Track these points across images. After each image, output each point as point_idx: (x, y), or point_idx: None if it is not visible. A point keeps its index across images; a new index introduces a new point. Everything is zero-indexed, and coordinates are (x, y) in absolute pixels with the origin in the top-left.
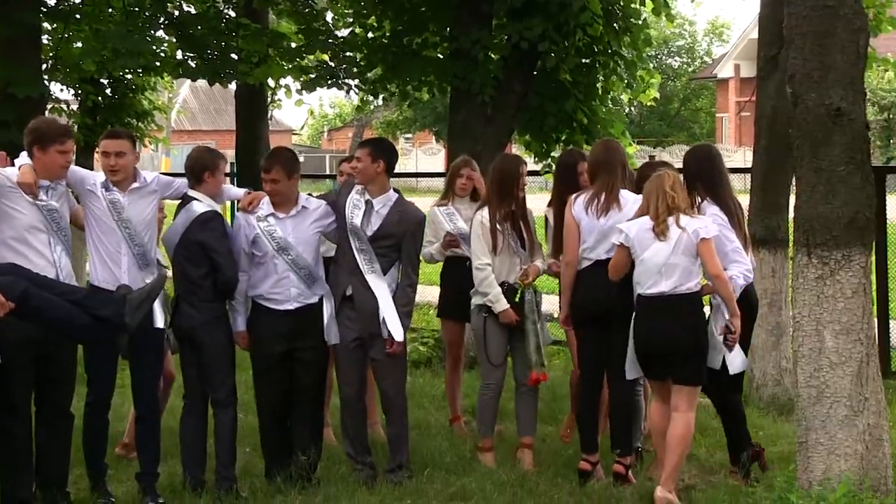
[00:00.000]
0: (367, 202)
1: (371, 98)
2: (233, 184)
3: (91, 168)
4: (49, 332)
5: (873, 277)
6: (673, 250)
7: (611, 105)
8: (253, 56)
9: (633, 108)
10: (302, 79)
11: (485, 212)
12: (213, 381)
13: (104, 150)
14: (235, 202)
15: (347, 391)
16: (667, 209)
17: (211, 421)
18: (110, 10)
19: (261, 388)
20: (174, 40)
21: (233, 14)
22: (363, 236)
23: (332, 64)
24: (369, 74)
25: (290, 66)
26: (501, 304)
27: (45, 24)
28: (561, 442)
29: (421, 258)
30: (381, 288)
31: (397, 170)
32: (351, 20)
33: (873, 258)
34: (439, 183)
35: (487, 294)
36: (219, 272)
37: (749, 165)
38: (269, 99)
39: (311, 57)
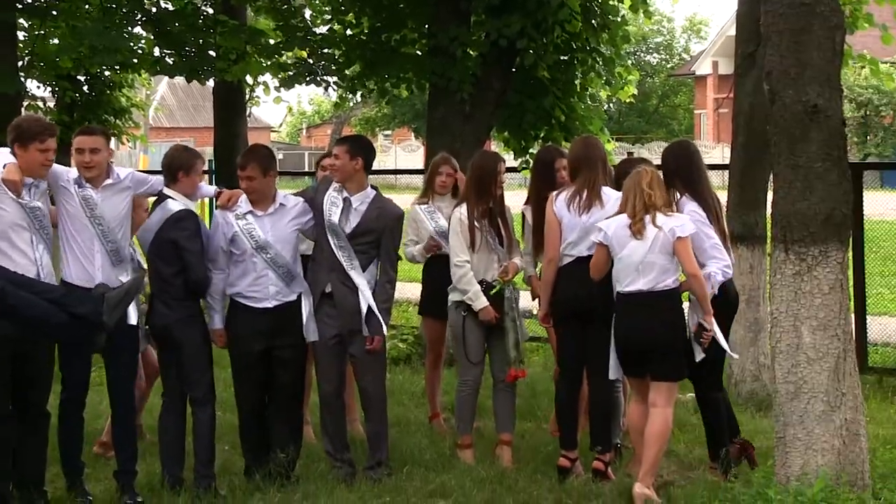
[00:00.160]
0: (345, 200)
1: (349, 95)
2: (211, 181)
3: (68, 165)
4: (26, 331)
5: (850, 273)
6: (650, 249)
7: (589, 102)
8: (231, 53)
9: (611, 105)
10: (280, 76)
11: (463, 209)
12: (190, 380)
13: (78, 146)
14: (214, 199)
15: (326, 388)
16: (643, 207)
17: (190, 419)
18: (87, 6)
19: (239, 385)
20: (151, 37)
21: (210, 11)
22: (342, 234)
23: (311, 61)
24: (347, 71)
25: (268, 62)
26: (481, 302)
27: (22, 21)
28: (541, 437)
29: (402, 255)
30: (363, 284)
31: (377, 167)
32: (329, 17)
33: (850, 254)
34: (418, 180)
35: (467, 291)
36: (188, 271)
37: (727, 162)
38: (247, 96)
39: (290, 54)
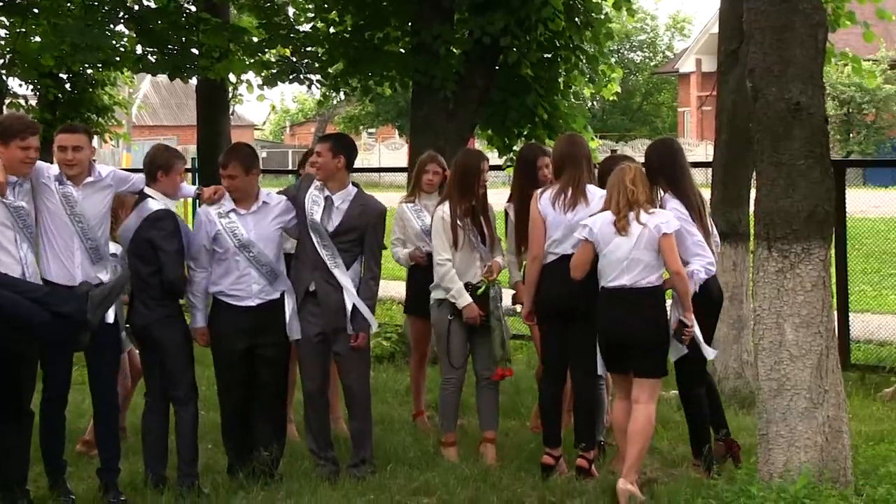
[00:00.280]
0: (327, 198)
1: (333, 93)
2: (194, 179)
3: (50, 163)
4: (10, 330)
5: (833, 271)
6: (635, 245)
7: (573, 100)
8: (214, 51)
9: (595, 103)
10: (263, 74)
11: (445, 207)
12: (171, 379)
13: (60, 144)
14: (196, 199)
15: (310, 386)
16: (627, 204)
17: (173, 418)
18: (69, 4)
19: (223, 384)
20: (134, 35)
21: (193, 8)
22: (324, 232)
23: (294, 59)
24: (331, 69)
25: (252, 60)
26: (464, 299)
27: (3, 19)
28: (525, 435)
29: (390, 252)
30: (347, 282)
31: (361, 165)
32: (312, 15)
33: (833, 252)
34: (402, 178)
35: (450, 289)
36: (163, 271)
37: (710, 159)
38: (230, 94)
39: (273, 52)
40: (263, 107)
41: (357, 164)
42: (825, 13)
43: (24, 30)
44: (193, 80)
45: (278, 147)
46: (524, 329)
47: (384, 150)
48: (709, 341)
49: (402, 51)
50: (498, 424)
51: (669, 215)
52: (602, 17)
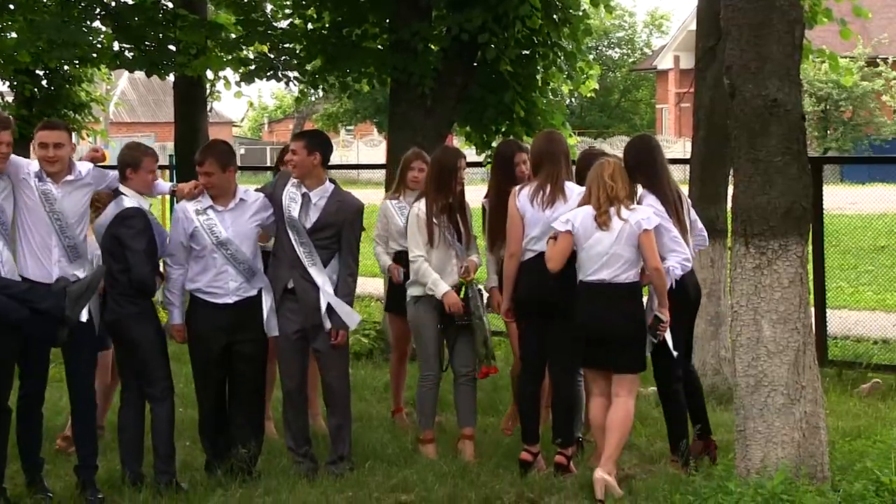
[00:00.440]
0: (304, 195)
1: (311, 90)
2: (172, 176)
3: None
4: None
5: (810, 267)
6: (616, 240)
7: (551, 96)
8: (191, 47)
9: (573, 100)
10: (241, 70)
11: (421, 204)
12: (145, 376)
13: (42, 140)
14: (172, 196)
15: (289, 385)
16: (607, 199)
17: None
18: (45, 0)
19: (200, 381)
20: (111, 31)
21: (170, 5)
22: (302, 229)
23: (272, 55)
24: (308, 66)
25: (229, 57)
26: (441, 288)
27: None
28: (503, 433)
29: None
30: (321, 282)
31: (339, 161)
32: (290, 11)
33: (810, 248)
34: (380, 175)
35: (426, 282)
36: (131, 270)
37: (688, 156)
38: (207, 91)
39: (250, 48)
40: (242, 103)
41: (335, 160)
42: (802, 10)
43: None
44: (171, 77)
45: (256, 144)
46: (500, 326)
47: (362, 146)
48: (685, 338)
49: (380, 47)
50: (476, 421)
51: (649, 211)
52: (580, 13)
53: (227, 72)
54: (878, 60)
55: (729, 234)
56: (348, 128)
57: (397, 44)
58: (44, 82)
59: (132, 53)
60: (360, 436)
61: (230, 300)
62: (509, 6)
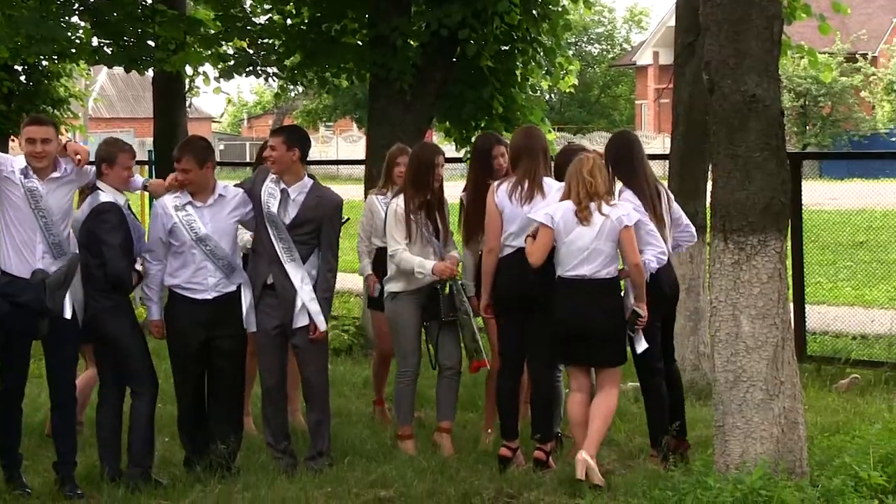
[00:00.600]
0: (283, 191)
1: (290, 85)
2: (151, 172)
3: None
4: None
5: (789, 263)
6: (597, 236)
7: (530, 92)
8: (170, 43)
9: (553, 96)
10: (220, 66)
11: (400, 200)
12: (126, 371)
13: (30, 136)
14: (144, 189)
15: (268, 381)
16: (587, 195)
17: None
18: None
19: (179, 377)
20: (89, 27)
21: (149, 0)
22: (281, 225)
23: (251, 51)
24: (287, 62)
25: (208, 53)
26: (428, 265)
27: None
28: (482, 431)
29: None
30: (299, 278)
31: (319, 157)
32: (269, 7)
33: (789, 244)
34: (360, 170)
35: (411, 268)
36: (106, 265)
37: (668, 152)
38: (186, 86)
39: (229, 44)
40: (221, 99)
41: (315, 156)
42: (781, 6)
43: None
44: (150, 73)
45: (236, 140)
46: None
47: (342, 142)
48: (664, 335)
49: (360, 43)
50: (454, 416)
51: (629, 207)
52: (559, 9)
53: (207, 67)
54: (857, 56)
55: (708, 230)
56: (328, 124)
57: (376, 39)
58: (22, 78)
59: (111, 49)
60: (339, 431)
61: (209, 296)
62: (488, 2)
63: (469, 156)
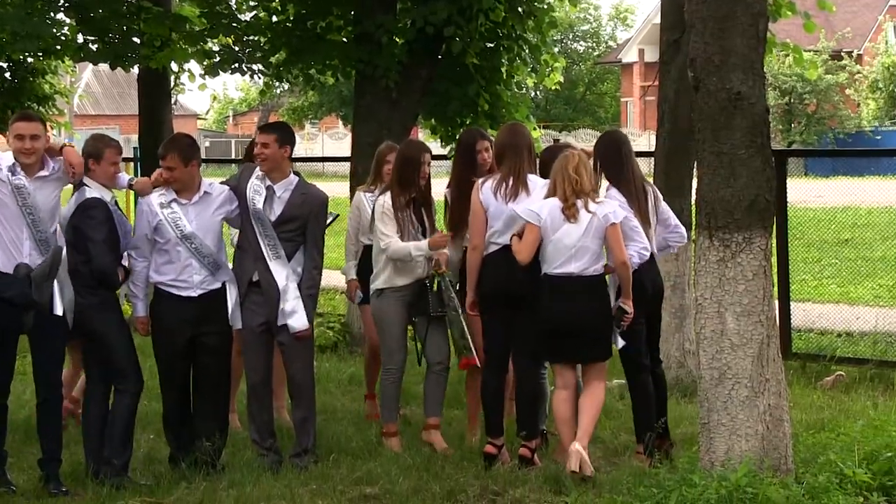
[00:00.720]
0: (269, 188)
1: (276, 83)
2: (136, 169)
3: None
4: None
5: (774, 260)
6: (584, 233)
7: (515, 89)
8: (155, 40)
9: (538, 93)
10: (205, 63)
11: (387, 197)
12: (111, 367)
13: (19, 132)
14: (129, 187)
15: (254, 378)
16: (573, 192)
17: None
18: None
19: (165, 374)
20: (74, 23)
21: None
22: (266, 222)
23: (236, 48)
24: (273, 59)
25: (193, 49)
26: (423, 244)
27: None
28: (466, 430)
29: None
30: (284, 276)
31: (305, 154)
32: (254, 3)
33: (774, 241)
34: (345, 168)
35: (406, 255)
36: (91, 261)
37: (653, 149)
38: (172, 83)
39: (215, 41)
40: (207, 96)
41: (300, 153)
42: (766, 3)
43: None
44: (135, 70)
45: (221, 137)
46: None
47: (327, 139)
48: (647, 332)
49: (345, 40)
50: (441, 412)
51: (615, 205)
52: (545, 6)
53: (192, 64)
54: (842, 54)
55: (693, 227)
56: (313, 121)
57: (362, 36)
58: (7, 74)
59: (96, 45)
60: (324, 428)
61: (194, 293)
62: None
63: (454, 154)
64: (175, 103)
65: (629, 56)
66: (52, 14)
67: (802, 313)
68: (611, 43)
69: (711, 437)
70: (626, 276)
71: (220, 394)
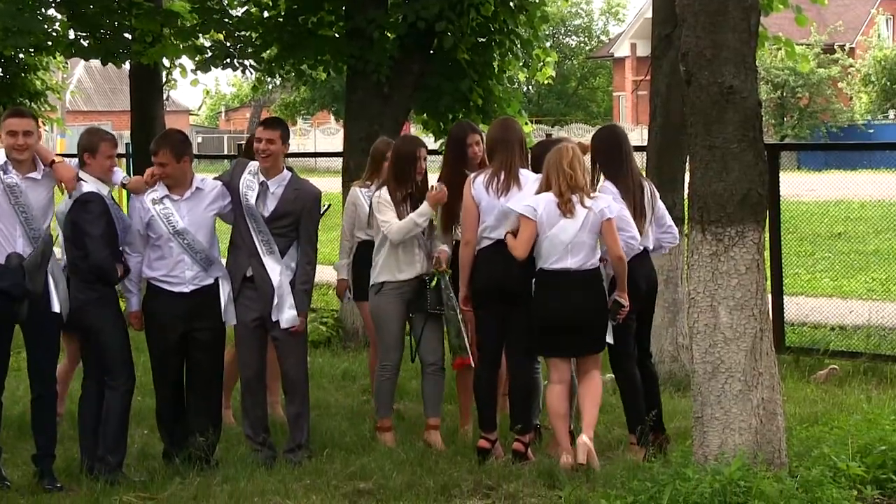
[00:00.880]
0: (262, 184)
1: (267, 78)
2: (128, 165)
3: None
4: None
5: (767, 254)
6: (580, 228)
7: (507, 84)
8: (147, 35)
9: (530, 88)
10: (197, 58)
11: (384, 191)
12: (104, 364)
13: (11, 129)
14: (123, 186)
15: (248, 373)
16: (569, 187)
17: None
18: None
19: (158, 369)
20: (66, 19)
21: None
22: (259, 217)
23: (227, 43)
24: (264, 54)
25: (185, 45)
26: (424, 207)
27: None
28: (460, 427)
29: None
30: (277, 271)
31: (297, 150)
32: None
33: (767, 235)
34: (338, 163)
35: (411, 225)
36: (88, 256)
37: (645, 144)
38: (164, 79)
39: (206, 36)
40: (198, 92)
41: (293, 149)
42: None
43: None
44: (127, 65)
45: (213, 132)
46: None
47: (319, 135)
48: (639, 328)
49: (336, 35)
50: (441, 412)
51: (609, 199)
52: (536, 1)
53: (184, 60)
54: (834, 48)
55: (686, 222)
56: (306, 116)
57: (353, 31)
58: None
59: (87, 41)
60: (318, 424)
61: (186, 289)
62: None
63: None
64: (167, 99)
65: (621, 50)
66: (43, 10)
67: (795, 307)
68: (603, 37)
69: (705, 431)
70: (622, 271)
71: (212, 389)
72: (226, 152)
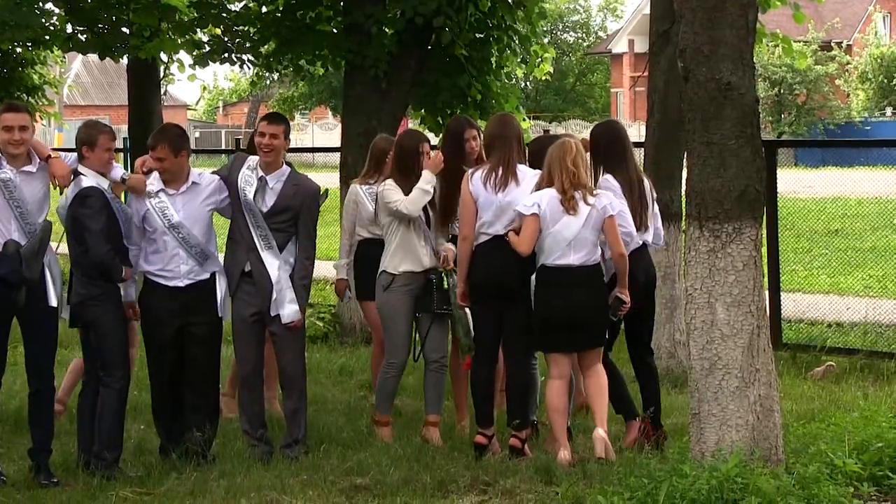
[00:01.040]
0: (261, 179)
1: (265, 73)
2: (126, 159)
3: None
4: None
5: (764, 250)
6: (583, 225)
7: (505, 80)
8: (144, 30)
9: (528, 84)
10: (195, 53)
11: (389, 181)
12: (101, 359)
13: (6, 124)
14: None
15: (245, 368)
16: (571, 185)
17: None
18: None
19: (154, 364)
20: (63, 13)
21: None
22: (258, 212)
23: (225, 38)
24: (262, 49)
25: (183, 40)
26: (429, 175)
27: None
28: (456, 423)
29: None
30: (275, 267)
31: (295, 145)
32: None
33: (764, 231)
34: (335, 158)
35: (421, 195)
36: (88, 251)
37: (643, 140)
38: (162, 73)
39: (204, 31)
40: (196, 87)
41: (291, 144)
42: None
43: None
44: (124, 60)
45: (211, 127)
46: None
47: (317, 130)
48: (639, 323)
49: (335, 30)
50: (441, 409)
51: (611, 195)
52: None
53: (181, 54)
54: (831, 45)
55: (683, 218)
56: (303, 112)
57: (351, 27)
58: None
59: (85, 36)
60: (315, 419)
61: (181, 283)
62: None
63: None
64: (165, 94)
65: (619, 46)
66: (40, 4)
67: (792, 304)
68: (601, 33)
69: (702, 427)
70: (624, 268)
71: (209, 384)
72: (223, 147)
